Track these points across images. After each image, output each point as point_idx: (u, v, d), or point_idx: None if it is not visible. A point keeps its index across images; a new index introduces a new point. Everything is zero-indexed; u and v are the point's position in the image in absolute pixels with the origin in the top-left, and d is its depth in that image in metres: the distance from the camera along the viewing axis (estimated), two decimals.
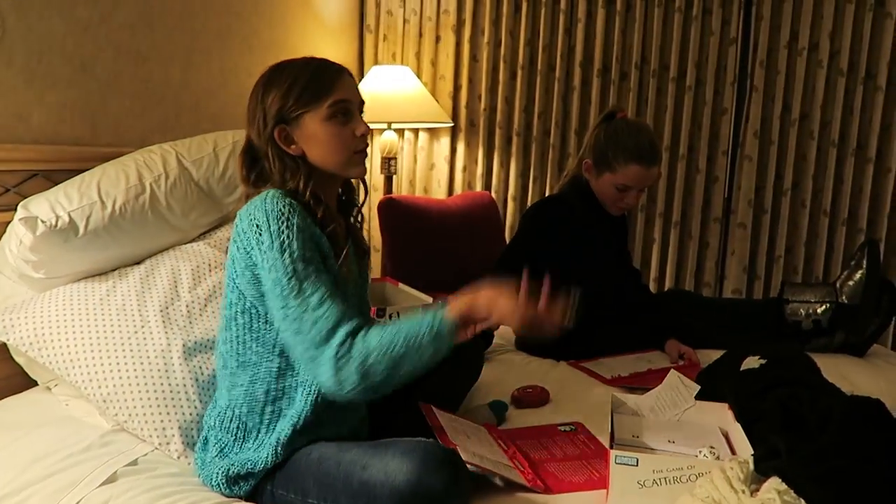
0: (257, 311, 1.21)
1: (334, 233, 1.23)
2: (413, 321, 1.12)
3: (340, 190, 1.38)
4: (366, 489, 1.07)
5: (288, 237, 1.13)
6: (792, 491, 0.99)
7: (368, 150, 1.31)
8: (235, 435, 1.24)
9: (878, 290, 1.94)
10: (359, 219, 1.42)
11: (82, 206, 1.45)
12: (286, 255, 1.12)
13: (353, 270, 1.27)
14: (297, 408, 1.20)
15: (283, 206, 1.15)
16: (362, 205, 1.41)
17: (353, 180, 1.39)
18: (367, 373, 1.09)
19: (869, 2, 2.67)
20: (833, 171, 2.79)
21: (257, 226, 1.15)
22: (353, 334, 1.10)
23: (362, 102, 1.30)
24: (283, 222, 1.14)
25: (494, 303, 1.15)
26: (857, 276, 1.94)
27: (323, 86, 1.22)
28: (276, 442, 1.19)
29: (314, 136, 1.23)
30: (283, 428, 1.20)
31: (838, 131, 2.77)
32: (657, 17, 2.84)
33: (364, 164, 1.29)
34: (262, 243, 1.14)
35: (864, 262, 1.94)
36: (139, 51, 1.98)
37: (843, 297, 1.93)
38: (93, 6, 1.81)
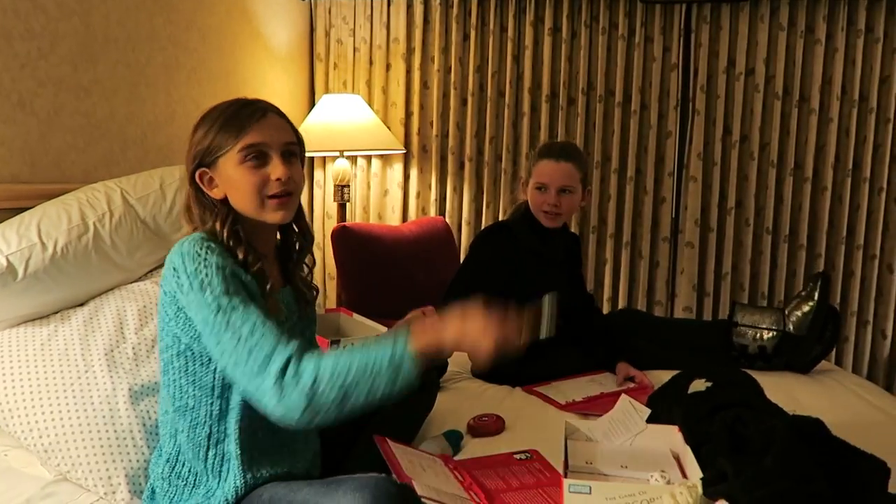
0: (192, 352, 1.18)
1: (260, 272, 1.20)
2: (372, 349, 1.08)
3: (279, 236, 1.35)
4: None
5: (206, 275, 1.11)
6: None
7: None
8: (186, 480, 1.21)
9: (824, 319, 2.01)
10: (302, 267, 1.37)
11: (21, 249, 1.40)
12: (207, 293, 1.10)
13: (282, 311, 1.23)
14: (233, 451, 1.18)
15: (200, 248, 1.14)
16: (303, 252, 1.36)
17: (301, 224, 1.35)
18: (314, 398, 1.05)
19: (799, 29, 2.81)
20: (773, 191, 2.90)
21: (174, 269, 1.14)
22: (295, 358, 1.07)
23: (292, 143, 1.24)
24: (199, 262, 1.12)
25: (463, 334, 1.09)
26: (806, 307, 2.02)
27: (236, 129, 1.19)
28: (225, 484, 1.17)
29: (230, 180, 1.20)
30: (232, 471, 1.18)
31: (777, 152, 2.88)
32: (601, 45, 2.92)
33: (285, 209, 1.22)
34: (182, 286, 1.12)
35: (816, 294, 2.01)
36: (81, 85, 1.94)
37: (790, 327, 2.01)
38: (30, 41, 1.77)
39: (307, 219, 1.39)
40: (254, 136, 1.19)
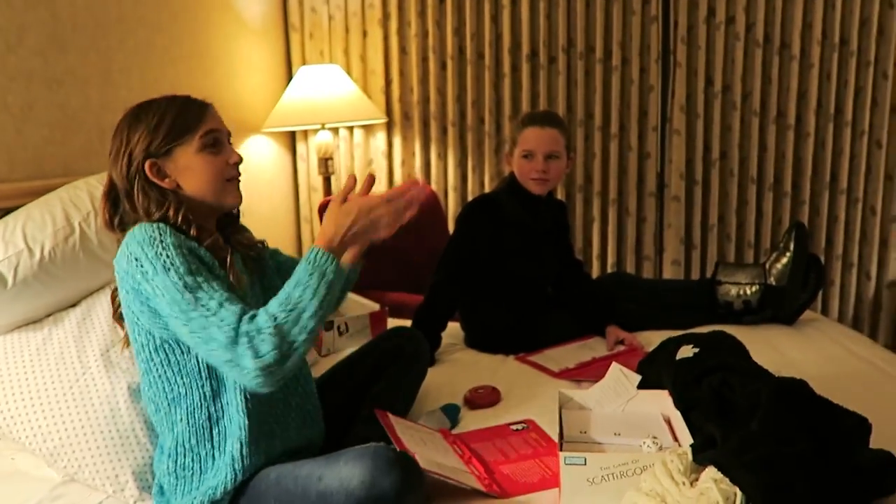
0: (170, 344, 1.21)
1: (214, 244, 1.24)
2: (295, 273, 1.15)
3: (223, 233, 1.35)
4: (323, 499, 1.11)
5: (168, 256, 1.13)
6: (727, 479, 1.06)
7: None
8: (192, 470, 1.24)
9: (805, 267, 2.05)
10: (239, 230, 1.41)
11: (8, 257, 1.41)
12: (171, 273, 1.12)
13: (242, 279, 1.27)
14: (237, 422, 1.21)
15: (153, 231, 1.16)
16: (238, 217, 1.40)
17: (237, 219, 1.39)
18: (280, 336, 1.09)
19: None
20: (757, 140, 2.90)
21: (136, 259, 1.15)
22: (248, 316, 1.11)
23: (229, 133, 1.33)
24: (157, 245, 1.14)
25: (359, 209, 1.19)
26: (785, 259, 2.05)
27: (192, 118, 1.26)
28: (232, 460, 1.21)
29: (188, 168, 1.25)
30: (233, 444, 1.21)
31: (759, 101, 2.88)
32: (580, 0, 2.87)
33: (238, 191, 1.31)
34: (147, 272, 1.14)
35: (792, 244, 2.05)
36: (53, 76, 1.91)
37: (772, 279, 2.05)
38: None
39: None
40: (210, 124, 1.27)
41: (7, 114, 1.77)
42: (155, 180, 1.24)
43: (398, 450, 1.18)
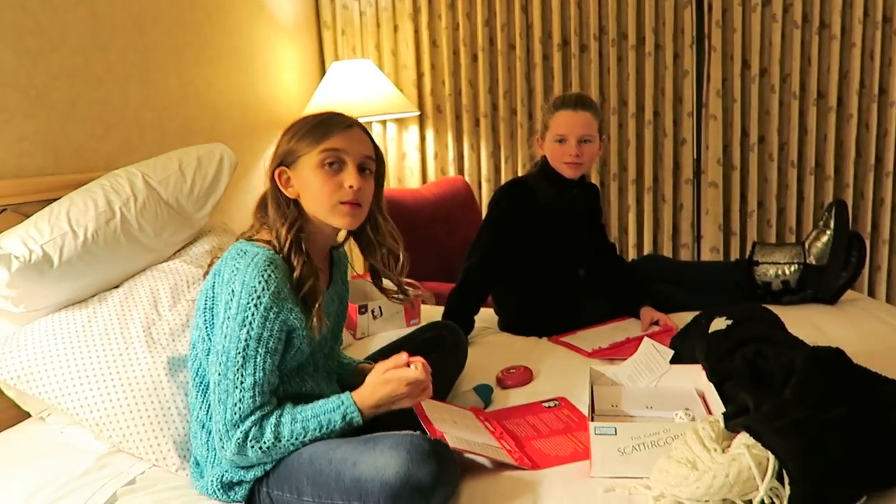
0: None
1: (312, 290, 1.26)
2: (324, 415, 1.20)
3: (370, 262, 1.42)
4: (357, 485, 1.12)
5: (252, 314, 1.18)
6: (759, 444, 1.04)
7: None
8: None
9: (847, 246, 1.99)
10: (396, 273, 1.43)
11: (54, 238, 1.47)
12: (244, 330, 1.18)
13: (325, 324, 1.29)
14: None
15: (259, 282, 1.19)
16: (397, 265, 1.42)
17: (374, 239, 1.40)
18: (270, 455, 1.19)
19: None
20: (797, 123, 2.83)
21: (232, 290, 1.20)
22: (263, 418, 1.18)
23: (370, 157, 1.32)
24: (253, 299, 1.18)
25: (400, 392, 1.23)
26: (825, 237, 1.99)
27: (321, 133, 1.27)
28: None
29: (306, 181, 1.28)
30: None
31: (798, 83, 2.81)
32: None
33: (352, 217, 1.29)
34: (230, 308, 1.20)
35: (832, 223, 1.98)
36: (94, 74, 1.98)
37: (812, 258, 1.98)
38: (41, 35, 1.81)
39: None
40: (335, 142, 1.27)
41: (52, 110, 1.85)
42: (281, 187, 1.29)
43: (433, 439, 1.19)
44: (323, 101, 2.84)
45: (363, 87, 2.82)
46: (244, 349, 1.18)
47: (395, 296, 1.47)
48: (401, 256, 1.42)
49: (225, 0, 2.56)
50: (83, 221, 1.52)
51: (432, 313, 2.08)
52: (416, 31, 3.07)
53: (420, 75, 3.11)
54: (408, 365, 1.26)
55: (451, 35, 3.03)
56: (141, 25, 2.16)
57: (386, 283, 1.47)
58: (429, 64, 3.07)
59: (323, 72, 3.15)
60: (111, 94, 2.04)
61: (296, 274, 1.25)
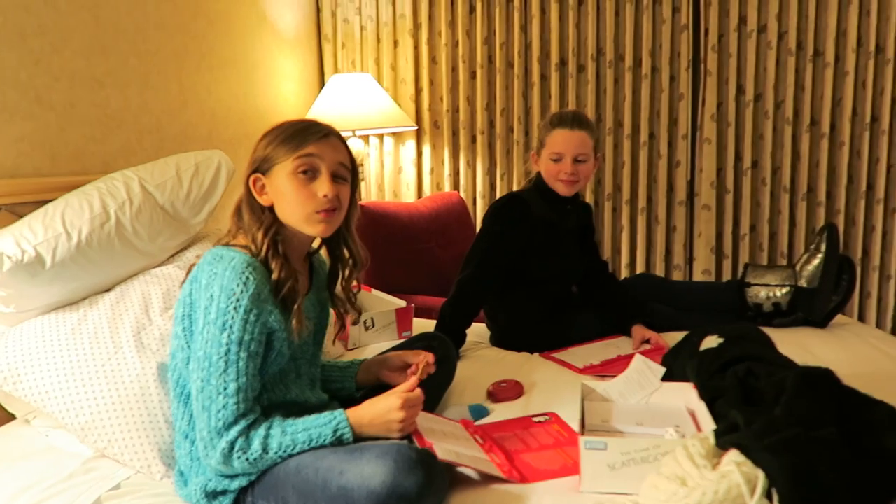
0: None
1: (291, 291, 1.25)
2: (314, 429, 1.19)
3: (329, 263, 1.42)
4: (344, 493, 1.11)
5: (232, 318, 1.17)
6: (749, 462, 1.04)
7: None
8: None
9: (838, 270, 2.00)
10: (350, 289, 1.42)
11: (48, 239, 1.46)
12: (225, 334, 1.17)
13: (306, 327, 1.29)
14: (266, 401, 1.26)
15: (237, 284, 1.18)
16: (351, 277, 1.41)
17: (346, 250, 1.40)
18: (255, 466, 1.18)
19: None
20: (790, 148, 2.87)
21: (211, 295, 1.19)
22: (250, 428, 1.17)
23: (344, 165, 1.31)
24: (232, 302, 1.17)
25: (393, 420, 1.23)
26: (816, 260, 2.01)
27: (297, 141, 1.26)
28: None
29: (280, 189, 1.27)
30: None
31: (792, 109, 2.85)
32: (609, 9, 2.89)
33: (327, 223, 1.28)
34: (210, 313, 1.19)
35: (823, 246, 2.00)
36: (95, 77, 1.99)
37: (803, 281, 2.00)
38: (43, 36, 1.82)
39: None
40: (312, 149, 1.26)
41: (51, 112, 1.85)
42: (256, 194, 1.29)
43: (420, 448, 1.19)
44: (321, 112, 2.86)
45: (362, 101, 2.84)
46: (226, 353, 1.16)
47: (342, 307, 1.44)
48: (360, 269, 1.41)
49: (228, 9, 2.58)
50: (78, 223, 1.52)
51: (424, 325, 2.08)
52: (416, 47, 3.10)
53: (419, 90, 3.14)
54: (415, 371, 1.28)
55: (450, 52, 3.07)
56: (143, 31, 2.17)
57: (338, 290, 1.45)
58: (427, 79, 3.10)
59: (322, 84, 3.17)
60: (111, 98, 2.04)
61: (274, 276, 1.24)
